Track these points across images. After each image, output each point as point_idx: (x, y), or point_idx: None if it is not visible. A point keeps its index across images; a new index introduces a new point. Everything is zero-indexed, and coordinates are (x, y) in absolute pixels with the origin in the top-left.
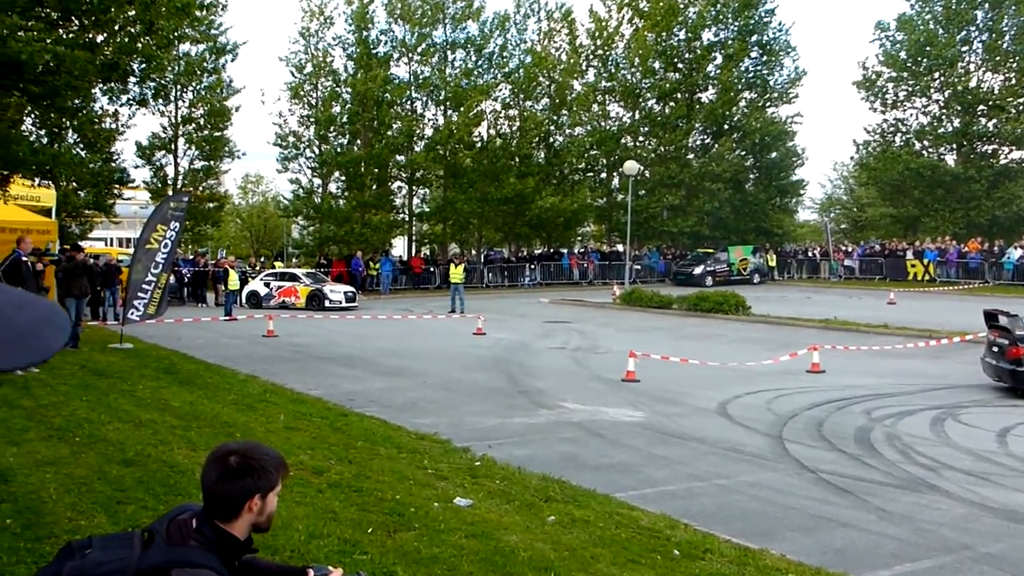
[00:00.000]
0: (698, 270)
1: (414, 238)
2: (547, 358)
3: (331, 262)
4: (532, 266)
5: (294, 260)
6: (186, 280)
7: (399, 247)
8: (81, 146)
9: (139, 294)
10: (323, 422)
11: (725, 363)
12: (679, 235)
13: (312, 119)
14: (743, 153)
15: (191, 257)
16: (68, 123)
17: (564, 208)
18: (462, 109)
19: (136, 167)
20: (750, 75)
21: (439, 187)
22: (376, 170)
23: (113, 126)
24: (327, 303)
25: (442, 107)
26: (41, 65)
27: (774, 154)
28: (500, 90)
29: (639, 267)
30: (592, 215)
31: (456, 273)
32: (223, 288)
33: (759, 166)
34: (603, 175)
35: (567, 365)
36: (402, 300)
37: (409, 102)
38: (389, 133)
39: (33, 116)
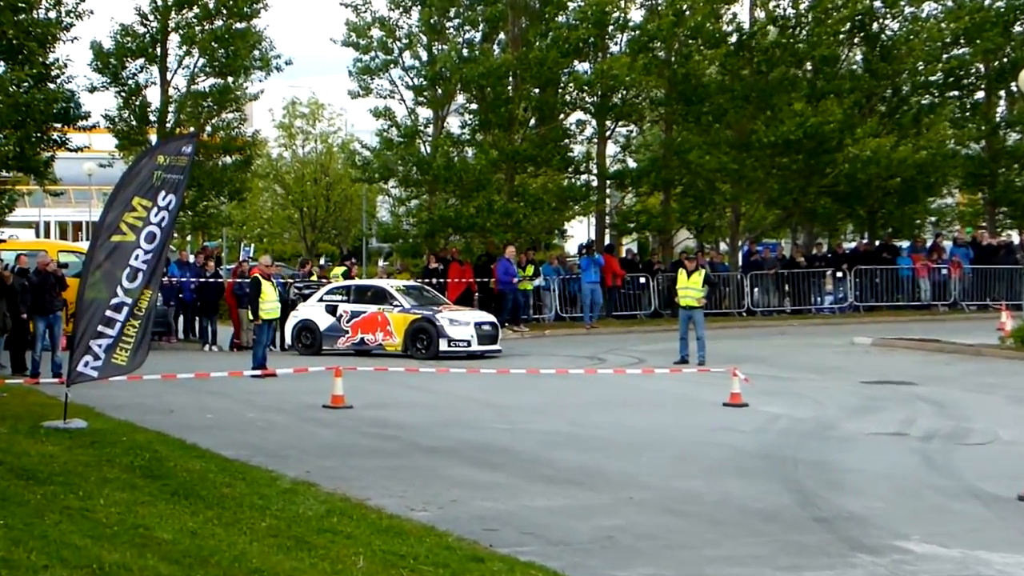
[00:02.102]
0: None
1: (608, 219)
2: (868, 453)
3: (449, 266)
4: (838, 273)
5: (382, 264)
6: (183, 299)
7: (577, 235)
8: None
9: (100, 328)
10: (439, 573)
11: None
12: None
13: None
14: None
15: (191, 259)
16: None
17: (901, 159)
18: None
19: (93, 90)
20: None
21: (656, 121)
22: (535, 91)
23: (53, 15)
24: (444, 344)
25: None
26: None
27: None
28: None
29: None
30: (957, 174)
31: (690, 287)
32: (250, 317)
33: None
34: (978, 95)
35: (909, 467)
36: (586, 338)
37: None
38: (559, 20)
39: None
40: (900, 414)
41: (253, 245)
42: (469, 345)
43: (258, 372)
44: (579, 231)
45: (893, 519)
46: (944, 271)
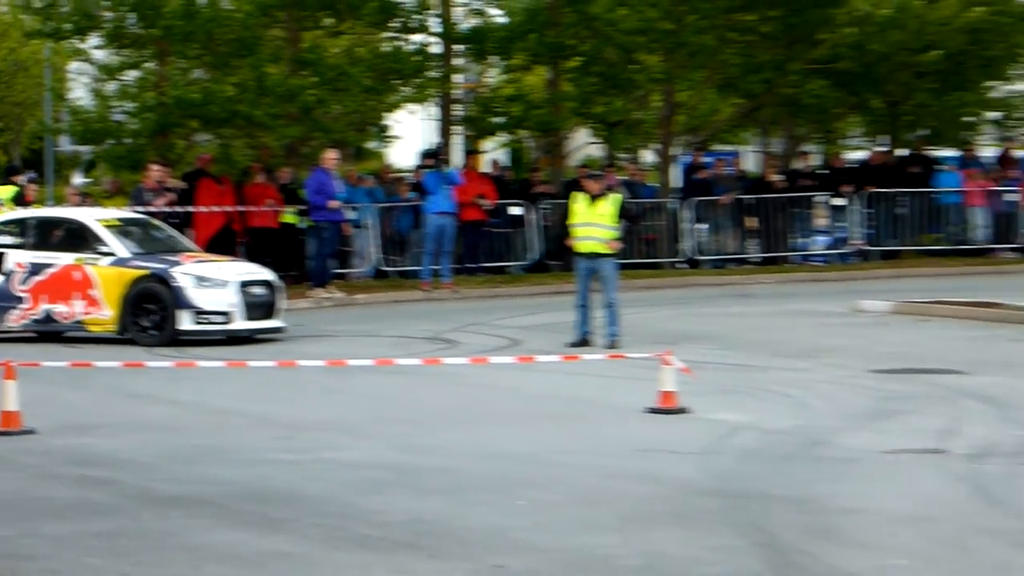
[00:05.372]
0: None
1: (461, 111)
2: (885, 482)
3: (197, 185)
4: (837, 200)
5: (77, 182)
6: None
7: (408, 136)
8: None
9: None
10: None
11: None
12: None
13: None
14: None
15: None
16: None
17: (943, 20)
18: None
19: None
20: None
21: None
22: None
23: None
24: (187, 320)
25: None
26: None
27: None
28: None
29: None
30: None
31: (595, 223)
32: None
33: None
34: None
35: (951, 502)
36: (425, 306)
37: None
38: None
39: None
40: (935, 420)
41: None
42: (229, 320)
43: None
44: (411, 129)
45: None
46: (1014, 198)
